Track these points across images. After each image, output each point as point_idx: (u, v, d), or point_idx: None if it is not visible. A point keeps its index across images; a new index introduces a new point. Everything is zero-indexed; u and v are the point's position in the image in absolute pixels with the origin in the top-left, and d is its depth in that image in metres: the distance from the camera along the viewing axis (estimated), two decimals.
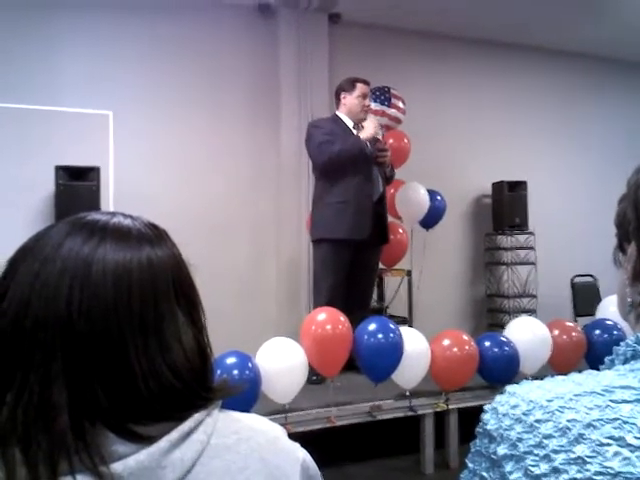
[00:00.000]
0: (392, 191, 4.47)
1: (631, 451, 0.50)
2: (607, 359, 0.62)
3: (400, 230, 4.50)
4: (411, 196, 4.45)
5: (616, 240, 0.66)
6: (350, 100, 3.83)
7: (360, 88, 3.82)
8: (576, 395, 0.55)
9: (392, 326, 3.17)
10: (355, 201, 3.64)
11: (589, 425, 0.52)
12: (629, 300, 0.63)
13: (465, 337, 3.33)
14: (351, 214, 3.63)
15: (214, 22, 4.77)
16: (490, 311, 5.68)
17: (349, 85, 3.85)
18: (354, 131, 3.80)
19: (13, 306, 0.57)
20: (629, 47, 6.00)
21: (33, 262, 0.59)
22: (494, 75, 5.83)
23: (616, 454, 0.50)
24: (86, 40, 4.40)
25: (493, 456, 0.56)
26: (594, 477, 0.50)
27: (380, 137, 3.77)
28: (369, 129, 3.69)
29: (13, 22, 4.20)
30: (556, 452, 0.52)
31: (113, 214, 0.66)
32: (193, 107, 4.69)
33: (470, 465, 0.60)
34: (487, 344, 3.34)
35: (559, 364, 3.37)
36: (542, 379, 0.60)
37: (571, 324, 3.61)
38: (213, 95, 4.76)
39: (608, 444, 0.51)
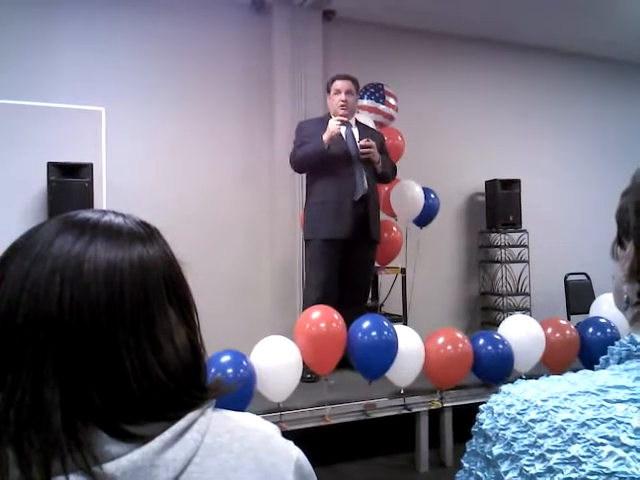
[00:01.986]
0: (386, 189, 4.47)
1: (625, 451, 0.50)
2: (602, 359, 0.62)
3: (394, 228, 4.50)
4: (406, 194, 4.45)
5: (616, 234, 0.66)
6: (330, 99, 3.87)
7: (335, 85, 3.83)
8: (571, 395, 0.55)
9: (386, 324, 3.17)
10: (334, 201, 3.65)
11: (584, 425, 0.52)
12: (625, 297, 0.64)
13: (459, 335, 3.33)
14: (329, 215, 3.65)
15: (208, 19, 4.75)
16: (484, 309, 5.70)
17: (329, 84, 3.90)
18: (343, 128, 3.78)
19: (3, 305, 0.57)
20: (626, 47, 6.03)
21: (23, 260, 0.59)
22: (489, 73, 5.84)
23: (611, 454, 0.50)
24: (79, 36, 4.38)
25: (488, 456, 0.56)
26: (589, 477, 0.50)
27: (356, 142, 3.74)
28: (328, 128, 3.62)
29: (7, 19, 4.16)
30: (551, 452, 0.52)
31: (104, 212, 0.65)
32: (186, 104, 4.67)
33: (466, 465, 0.59)
34: (481, 342, 3.35)
35: (553, 362, 3.39)
36: (536, 378, 0.60)
37: (565, 322, 3.62)
38: (206, 92, 4.75)
39: (602, 444, 0.51)
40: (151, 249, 0.63)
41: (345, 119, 3.75)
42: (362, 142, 3.71)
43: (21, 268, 0.58)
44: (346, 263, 3.74)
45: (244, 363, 2.83)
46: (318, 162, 3.65)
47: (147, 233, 0.65)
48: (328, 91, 3.89)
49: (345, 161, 3.69)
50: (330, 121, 3.67)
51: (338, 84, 3.81)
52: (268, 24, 4.88)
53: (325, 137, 3.61)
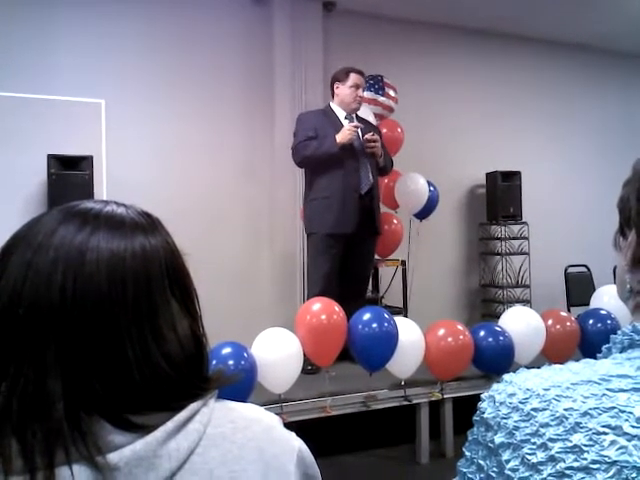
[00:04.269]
0: (386, 181, 4.46)
1: (627, 440, 0.50)
2: (604, 347, 0.62)
3: (395, 220, 4.50)
4: (411, 187, 4.44)
5: (618, 224, 0.66)
6: (343, 90, 3.81)
7: (353, 78, 3.78)
8: (573, 384, 0.55)
9: (386, 316, 3.18)
10: (340, 195, 3.62)
11: (586, 414, 0.52)
12: (628, 286, 0.64)
13: (460, 327, 3.34)
14: (336, 209, 3.62)
15: (208, 11, 4.73)
16: (484, 301, 5.70)
17: (343, 75, 3.82)
18: (345, 122, 3.76)
19: (5, 295, 0.57)
20: (626, 39, 6.00)
21: (25, 250, 0.59)
22: (490, 65, 5.82)
23: (612, 443, 0.50)
24: (79, 29, 4.36)
25: (490, 444, 0.56)
26: (591, 466, 0.50)
27: (360, 136, 3.72)
28: (344, 135, 3.58)
29: (7, 11, 4.14)
30: (553, 441, 0.52)
31: (106, 202, 0.65)
32: (186, 97, 4.65)
33: (467, 453, 0.60)
34: (482, 334, 3.35)
35: (553, 354, 3.39)
36: (537, 368, 0.60)
37: (565, 314, 3.63)
38: (206, 84, 4.73)
39: (605, 433, 0.51)
40: (153, 239, 0.63)
41: (362, 125, 3.74)
42: (367, 136, 3.69)
43: (23, 258, 0.58)
44: (350, 256, 3.73)
45: (245, 355, 2.84)
46: (327, 162, 3.61)
47: (149, 223, 0.65)
48: (338, 79, 3.83)
49: (350, 155, 3.66)
50: (345, 129, 3.61)
51: (357, 78, 3.79)
52: (268, 16, 4.86)
53: (340, 140, 3.56)
